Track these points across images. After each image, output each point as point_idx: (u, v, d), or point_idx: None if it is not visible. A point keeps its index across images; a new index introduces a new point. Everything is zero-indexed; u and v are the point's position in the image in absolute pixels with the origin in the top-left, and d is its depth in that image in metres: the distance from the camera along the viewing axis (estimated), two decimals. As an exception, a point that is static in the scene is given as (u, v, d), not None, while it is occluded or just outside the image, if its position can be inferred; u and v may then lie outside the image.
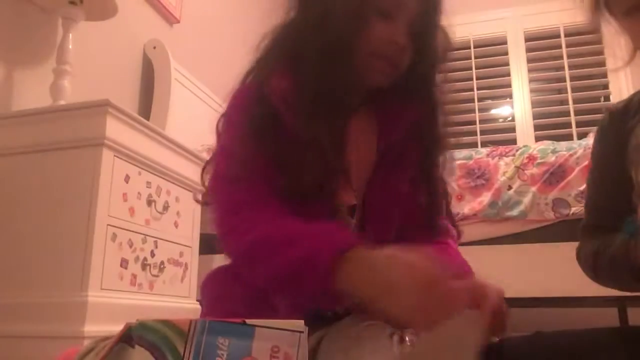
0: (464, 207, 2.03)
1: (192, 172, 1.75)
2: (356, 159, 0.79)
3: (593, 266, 0.84)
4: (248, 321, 0.51)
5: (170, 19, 2.45)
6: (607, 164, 0.88)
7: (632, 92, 0.91)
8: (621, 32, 0.79)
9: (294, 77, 0.74)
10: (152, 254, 1.54)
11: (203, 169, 0.85)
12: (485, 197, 2.03)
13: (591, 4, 0.80)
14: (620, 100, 0.92)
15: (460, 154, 2.23)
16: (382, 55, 0.76)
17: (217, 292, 0.82)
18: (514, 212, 1.96)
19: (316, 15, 0.76)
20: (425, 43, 0.78)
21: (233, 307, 0.77)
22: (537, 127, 3.28)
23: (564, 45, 3.31)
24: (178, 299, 1.63)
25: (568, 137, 3.09)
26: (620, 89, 3.16)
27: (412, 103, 0.80)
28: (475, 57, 3.46)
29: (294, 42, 0.78)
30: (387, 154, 0.80)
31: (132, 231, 1.46)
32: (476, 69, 3.44)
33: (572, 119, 3.18)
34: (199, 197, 1.85)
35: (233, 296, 0.77)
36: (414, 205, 0.82)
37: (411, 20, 0.76)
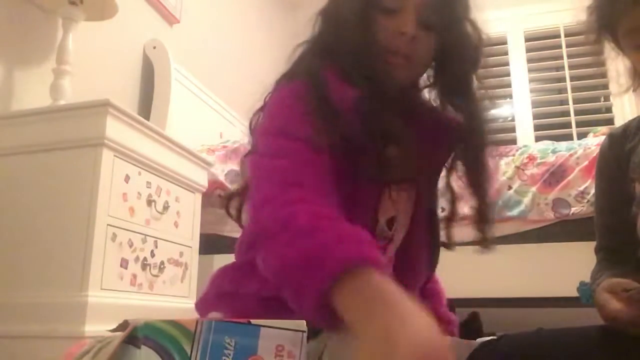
0: (464, 207, 2.02)
1: (192, 172, 1.75)
2: None
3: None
4: (253, 321, 0.52)
5: (170, 19, 2.45)
6: (611, 185, 0.92)
7: (631, 92, 0.94)
8: (622, 56, 0.83)
9: (349, 85, 0.73)
10: (152, 254, 1.54)
11: (242, 161, 0.83)
12: (485, 197, 2.02)
13: (595, 30, 0.84)
14: (619, 125, 0.97)
15: (460, 154, 2.23)
16: (393, 49, 0.76)
17: (227, 288, 0.78)
18: (514, 212, 1.96)
19: (332, 25, 0.79)
20: (447, 35, 0.78)
21: (244, 305, 0.74)
22: (537, 127, 3.28)
23: (564, 45, 3.31)
24: (178, 299, 1.63)
25: (568, 137, 3.09)
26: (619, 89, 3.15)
27: (449, 125, 0.82)
28: (475, 57, 3.46)
29: (324, 53, 0.79)
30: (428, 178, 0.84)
31: (132, 231, 1.46)
32: (476, 69, 3.43)
33: (572, 119, 3.18)
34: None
35: (245, 293, 0.75)
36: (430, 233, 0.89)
37: (419, 10, 0.76)
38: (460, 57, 0.80)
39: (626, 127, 0.95)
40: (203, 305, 0.82)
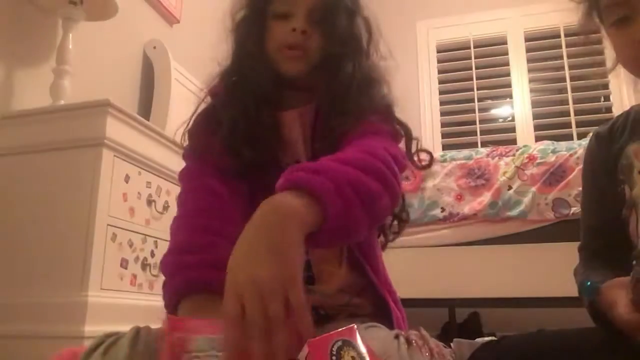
0: (464, 207, 2.02)
1: (192, 172, 1.75)
2: (304, 137, 0.90)
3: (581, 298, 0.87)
4: None
5: (170, 19, 2.45)
6: (598, 186, 0.90)
7: (631, 92, 0.94)
8: (608, 41, 0.81)
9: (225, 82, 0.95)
10: (152, 254, 1.53)
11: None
12: (485, 197, 2.02)
13: (584, 11, 0.83)
14: (604, 124, 0.94)
15: (460, 154, 2.23)
16: (288, 44, 0.87)
17: None
18: (514, 212, 1.96)
19: (236, 32, 0.96)
20: (335, 29, 0.87)
21: None
22: (537, 127, 3.28)
23: (564, 45, 3.31)
24: (178, 299, 1.63)
25: (568, 137, 3.09)
26: (620, 89, 3.16)
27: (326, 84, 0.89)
28: (475, 57, 3.46)
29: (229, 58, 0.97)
30: (314, 128, 0.91)
31: (132, 231, 1.46)
32: (476, 69, 3.44)
33: (572, 119, 3.18)
34: None
35: None
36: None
37: (308, 12, 0.87)
38: (348, 51, 0.88)
39: (612, 126, 0.91)
40: None
